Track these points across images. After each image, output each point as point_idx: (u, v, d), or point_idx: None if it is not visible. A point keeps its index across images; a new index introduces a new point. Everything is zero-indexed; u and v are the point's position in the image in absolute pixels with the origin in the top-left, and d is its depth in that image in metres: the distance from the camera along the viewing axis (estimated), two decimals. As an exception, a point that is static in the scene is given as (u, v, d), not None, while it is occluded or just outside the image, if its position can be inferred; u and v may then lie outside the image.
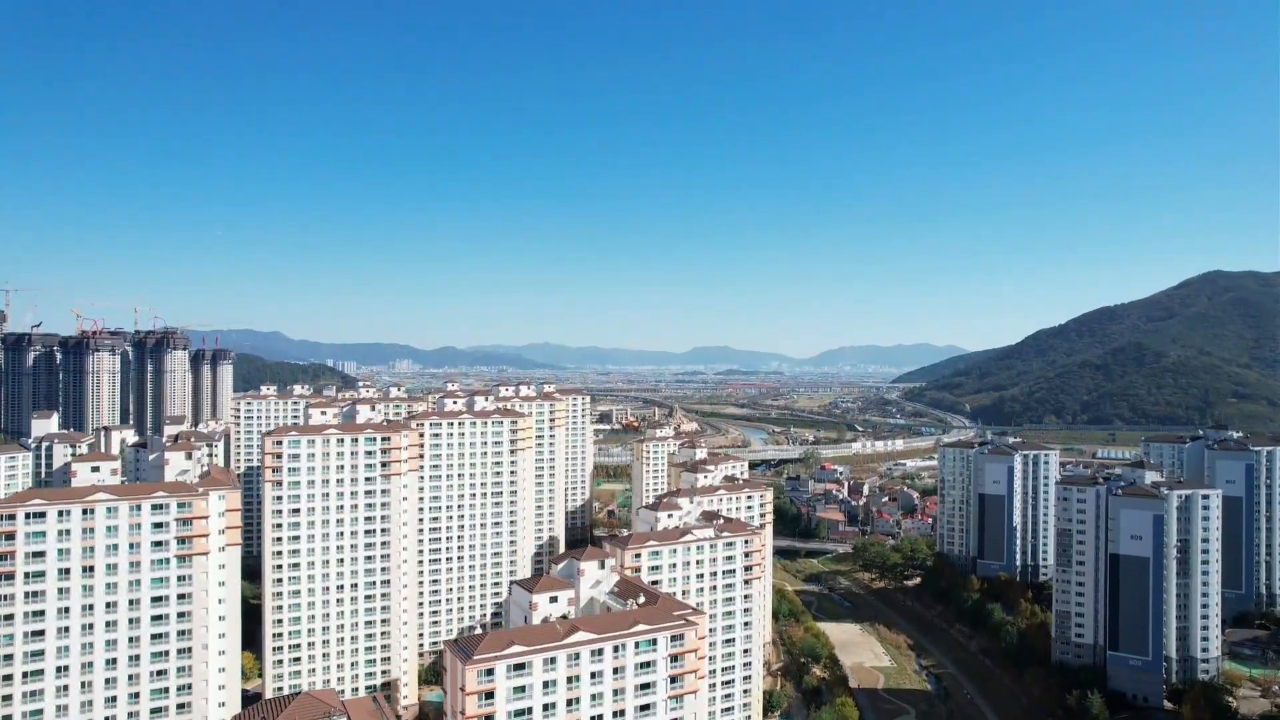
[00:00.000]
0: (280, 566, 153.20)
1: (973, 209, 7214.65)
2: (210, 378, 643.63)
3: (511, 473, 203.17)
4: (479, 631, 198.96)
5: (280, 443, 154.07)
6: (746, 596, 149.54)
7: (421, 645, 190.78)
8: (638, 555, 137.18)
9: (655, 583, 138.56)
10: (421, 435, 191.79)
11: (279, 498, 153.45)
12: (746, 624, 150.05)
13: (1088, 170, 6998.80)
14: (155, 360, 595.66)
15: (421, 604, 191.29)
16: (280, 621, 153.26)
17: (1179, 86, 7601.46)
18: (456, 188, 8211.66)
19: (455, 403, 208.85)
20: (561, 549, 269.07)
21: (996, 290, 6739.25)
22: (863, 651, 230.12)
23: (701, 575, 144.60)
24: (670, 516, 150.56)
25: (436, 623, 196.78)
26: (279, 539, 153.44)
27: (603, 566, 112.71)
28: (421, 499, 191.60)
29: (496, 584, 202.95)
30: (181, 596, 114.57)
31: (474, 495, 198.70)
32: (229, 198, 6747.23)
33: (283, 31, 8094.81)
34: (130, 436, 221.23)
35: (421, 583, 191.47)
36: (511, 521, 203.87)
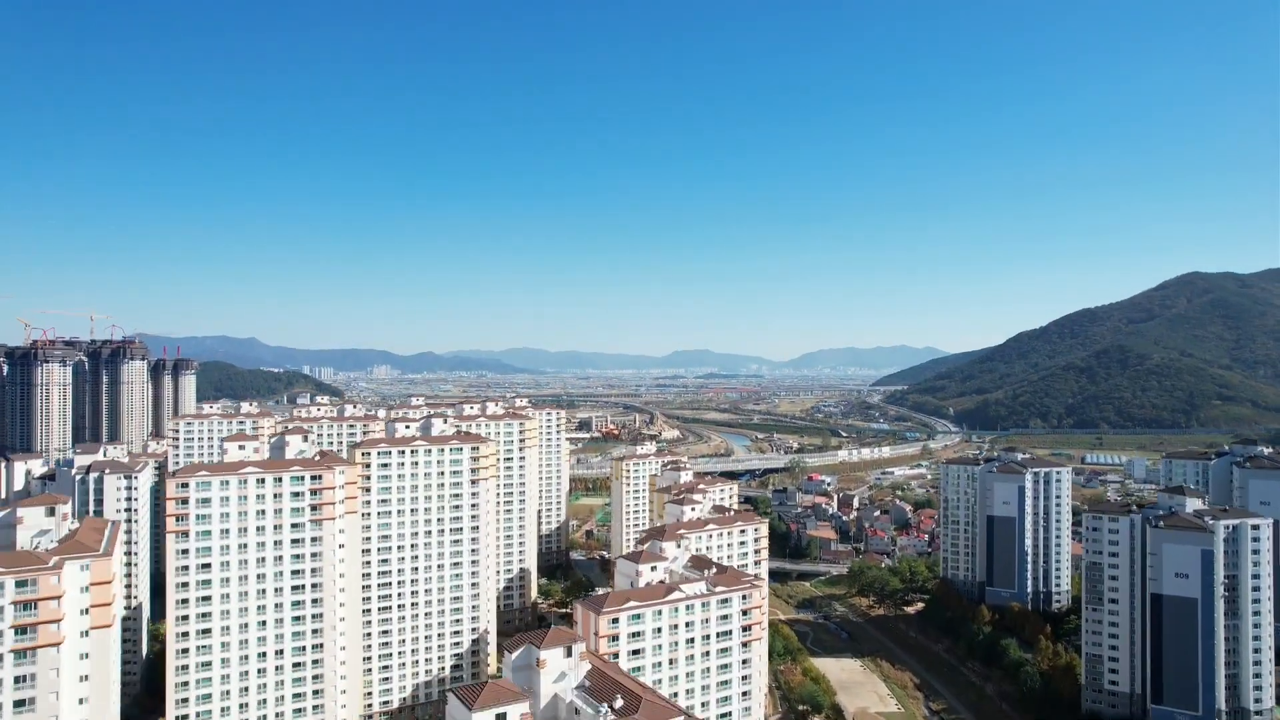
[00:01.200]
0: (186, 634, 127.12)
1: (952, 211, 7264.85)
2: (172, 389, 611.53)
3: (473, 506, 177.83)
4: (439, 687, 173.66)
5: (186, 485, 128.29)
6: (745, 661, 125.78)
7: (370, 707, 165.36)
8: (615, 621, 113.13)
9: (637, 652, 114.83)
10: (368, 466, 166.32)
11: (184, 551, 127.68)
12: (745, 694, 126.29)
13: (1067, 172, 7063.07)
14: (111, 372, 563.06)
15: (370, 660, 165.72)
16: (186, 700, 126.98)
17: (1157, 90, 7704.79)
18: (434, 191, 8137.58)
19: (408, 427, 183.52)
20: (534, 580, 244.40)
21: (974, 292, 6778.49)
22: (866, 694, 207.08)
23: (692, 640, 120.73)
24: (654, 569, 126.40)
25: (388, 679, 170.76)
26: (184, 600, 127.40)
27: (569, 653, 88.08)
28: (369, 539, 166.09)
29: (457, 632, 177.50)
30: (20, 704, 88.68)
31: (429, 533, 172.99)
32: (202, 201, 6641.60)
33: (257, 27, 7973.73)
34: (37, 467, 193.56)
35: (369, 634, 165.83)
36: (473, 561, 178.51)
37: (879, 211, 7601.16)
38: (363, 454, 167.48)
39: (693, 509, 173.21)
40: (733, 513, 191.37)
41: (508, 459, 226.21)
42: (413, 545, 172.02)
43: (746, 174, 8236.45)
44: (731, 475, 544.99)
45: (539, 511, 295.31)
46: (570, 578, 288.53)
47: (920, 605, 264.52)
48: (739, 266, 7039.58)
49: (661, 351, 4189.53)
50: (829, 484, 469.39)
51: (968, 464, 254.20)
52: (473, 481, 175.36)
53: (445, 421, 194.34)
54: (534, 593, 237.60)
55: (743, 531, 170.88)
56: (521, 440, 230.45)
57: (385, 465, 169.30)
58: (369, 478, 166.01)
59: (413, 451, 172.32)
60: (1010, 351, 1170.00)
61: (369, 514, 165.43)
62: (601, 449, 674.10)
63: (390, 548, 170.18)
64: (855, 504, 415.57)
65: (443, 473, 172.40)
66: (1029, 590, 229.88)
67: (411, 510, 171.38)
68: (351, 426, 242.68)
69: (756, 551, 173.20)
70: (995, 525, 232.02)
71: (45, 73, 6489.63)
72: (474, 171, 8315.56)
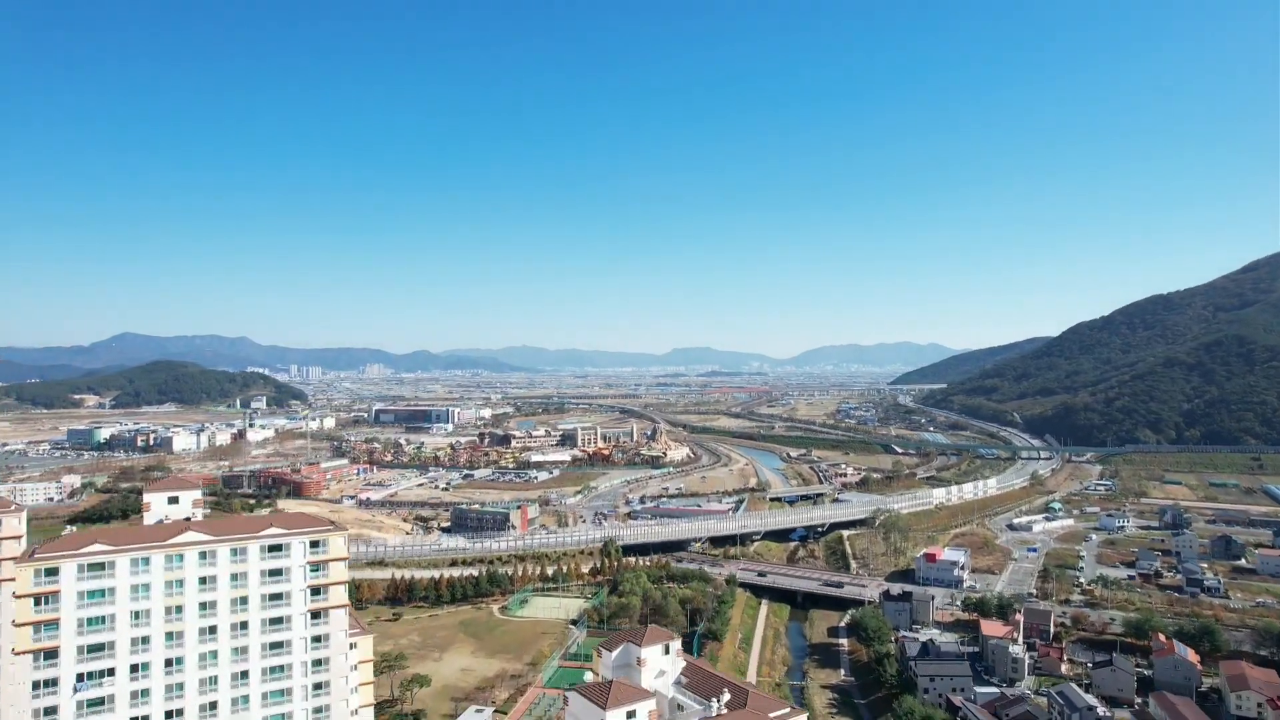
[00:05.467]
0: None
1: (957, 208, 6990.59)
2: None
3: None
4: None
5: None
6: None
7: None
8: None
9: None
10: None
11: None
12: None
13: (1087, 166, 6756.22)
14: None
15: None
16: None
17: (1187, 65, 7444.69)
18: (430, 188, 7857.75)
19: None
20: None
21: (981, 286, 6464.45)
22: None
23: None
24: None
25: None
26: None
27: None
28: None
29: None
30: None
31: None
32: (193, 199, 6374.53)
33: (248, 17, 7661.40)
34: None
35: None
36: None
37: (884, 210, 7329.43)
38: None
39: None
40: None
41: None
42: None
43: (749, 172, 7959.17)
44: (780, 535, 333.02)
45: None
46: None
47: None
48: (740, 264, 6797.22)
49: (662, 349, 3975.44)
50: (962, 565, 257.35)
51: None
52: None
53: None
54: None
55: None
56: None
57: None
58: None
59: None
60: (1070, 345, 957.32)
61: None
62: (584, 478, 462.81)
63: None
64: (1050, 625, 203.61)
65: None
66: None
67: None
68: None
69: None
70: None
71: (25, 61, 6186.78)
72: (472, 171, 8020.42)
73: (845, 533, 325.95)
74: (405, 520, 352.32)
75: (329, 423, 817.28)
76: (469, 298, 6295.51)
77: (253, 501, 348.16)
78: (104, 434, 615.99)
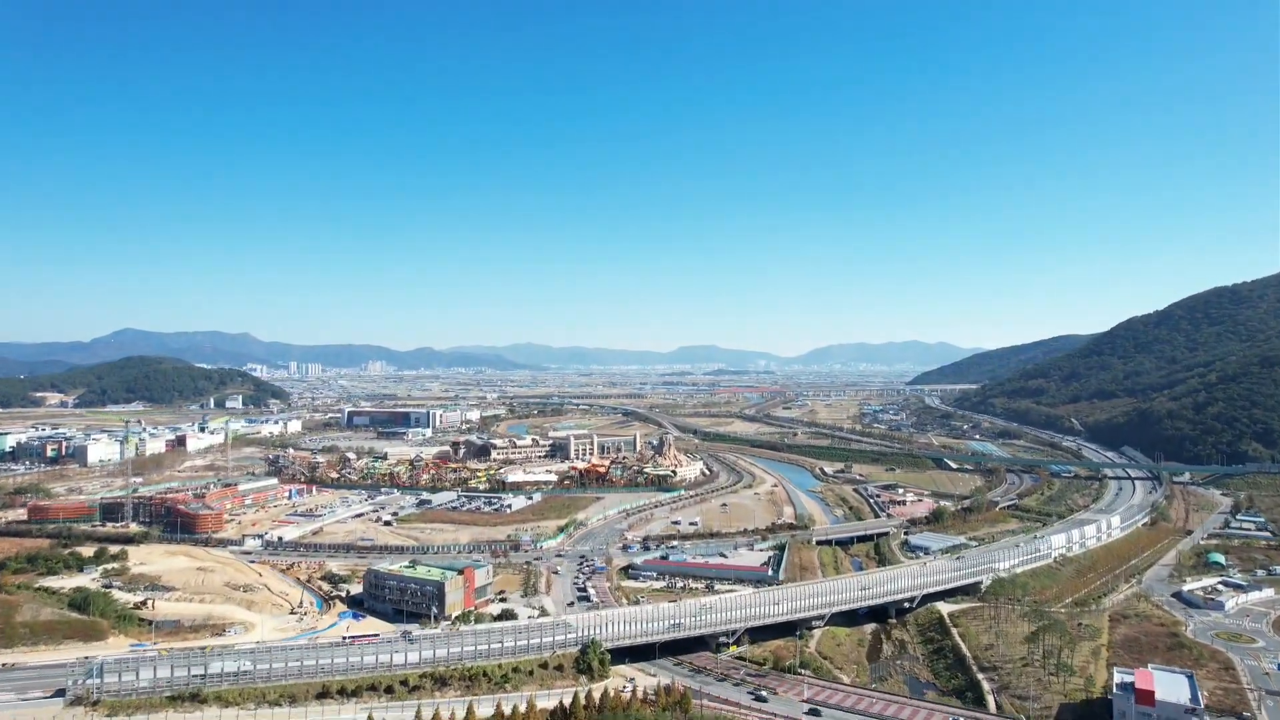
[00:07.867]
0: None
1: (966, 204, 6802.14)
2: None
3: None
4: None
5: None
6: None
7: None
8: None
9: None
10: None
11: None
12: None
13: (1103, 164, 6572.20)
14: None
15: None
16: None
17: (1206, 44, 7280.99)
18: (435, 184, 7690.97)
19: None
20: None
21: (990, 285, 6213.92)
22: None
23: None
24: None
25: None
26: None
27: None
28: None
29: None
30: None
31: None
32: (194, 193, 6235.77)
33: (250, 11, 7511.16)
34: None
35: None
36: None
37: (891, 206, 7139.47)
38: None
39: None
40: None
41: None
42: None
43: (754, 169, 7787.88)
44: (846, 617, 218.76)
45: None
46: None
47: None
48: (746, 262, 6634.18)
49: (668, 347, 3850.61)
50: (1198, 708, 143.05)
51: None
52: None
53: None
54: None
55: None
56: None
57: None
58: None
59: None
60: (1122, 342, 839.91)
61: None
62: (572, 505, 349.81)
63: None
64: None
65: None
66: None
67: None
68: None
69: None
70: None
71: (18, 51, 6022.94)
72: (477, 167, 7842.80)
73: (944, 608, 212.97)
74: (310, 580, 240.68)
75: (294, 426, 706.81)
76: (474, 295, 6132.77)
77: (88, 555, 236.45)
78: (9, 441, 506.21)
